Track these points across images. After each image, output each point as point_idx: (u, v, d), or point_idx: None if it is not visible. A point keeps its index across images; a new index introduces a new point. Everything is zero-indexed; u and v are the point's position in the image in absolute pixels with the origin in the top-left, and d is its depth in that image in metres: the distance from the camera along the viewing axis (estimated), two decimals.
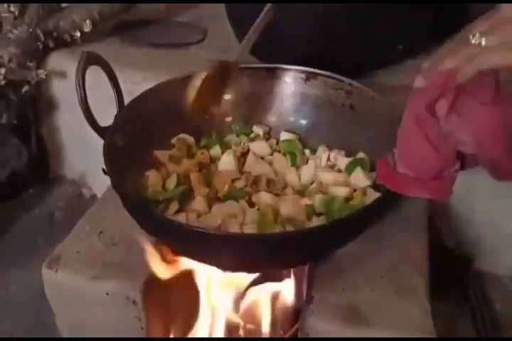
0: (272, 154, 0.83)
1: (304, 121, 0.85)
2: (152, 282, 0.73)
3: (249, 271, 0.74)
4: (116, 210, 0.79)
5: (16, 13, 1.01)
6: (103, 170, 0.67)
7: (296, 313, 0.80)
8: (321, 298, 0.70)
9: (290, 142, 0.83)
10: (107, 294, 0.72)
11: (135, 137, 0.75)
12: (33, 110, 1.12)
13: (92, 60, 0.70)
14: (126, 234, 0.77)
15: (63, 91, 1.09)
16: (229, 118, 0.85)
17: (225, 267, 0.70)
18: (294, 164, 0.81)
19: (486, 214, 0.96)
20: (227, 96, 0.82)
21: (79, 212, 0.89)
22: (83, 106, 0.68)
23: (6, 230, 1.13)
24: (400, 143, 0.54)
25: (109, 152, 0.68)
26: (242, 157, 0.82)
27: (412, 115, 0.51)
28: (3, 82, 0.98)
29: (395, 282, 0.72)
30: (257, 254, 0.63)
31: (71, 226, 0.83)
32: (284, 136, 0.85)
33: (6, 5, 1.00)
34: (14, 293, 1.04)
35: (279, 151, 0.84)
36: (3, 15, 1.02)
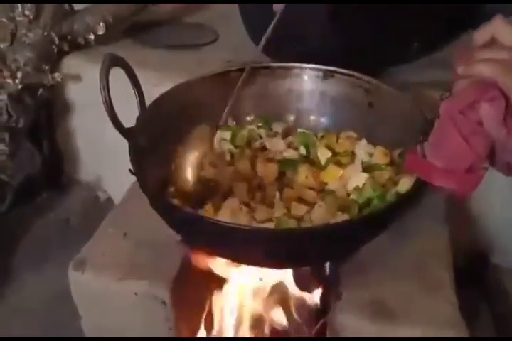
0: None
1: (323, 120, 0.85)
2: (181, 282, 0.74)
3: (275, 267, 0.74)
4: (138, 212, 0.80)
5: (31, 17, 1.02)
6: (130, 170, 0.67)
7: (320, 309, 0.81)
8: (348, 294, 0.71)
9: (305, 135, 0.82)
10: (136, 294, 0.72)
11: (158, 137, 0.75)
12: (47, 114, 1.12)
13: (114, 61, 0.70)
14: (152, 235, 0.77)
15: (78, 94, 1.09)
16: (250, 117, 0.85)
17: (250, 263, 0.70)
18: (308, 158, 0.80)
19: (504, 208, 0.96)
20: (247, 96, 0.83)
21: (94, 215, 0.89)
22: (108, 108, 0.68)
23: (21, 235, 1.12)
24: (435, 135, 0.54)
25: (135, 152, 0.68)
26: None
27: (448, 116, 0.52)
28: (19, 86, 0.98)
29: (420, 276, 0.73)
30: (283, 250, 0.62)
31: (87, 230, 0.83)
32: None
33: (20, 9, 1.01)
34: (29, 299, 1.04)
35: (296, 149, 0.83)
36: (17, 19, 1.02)
